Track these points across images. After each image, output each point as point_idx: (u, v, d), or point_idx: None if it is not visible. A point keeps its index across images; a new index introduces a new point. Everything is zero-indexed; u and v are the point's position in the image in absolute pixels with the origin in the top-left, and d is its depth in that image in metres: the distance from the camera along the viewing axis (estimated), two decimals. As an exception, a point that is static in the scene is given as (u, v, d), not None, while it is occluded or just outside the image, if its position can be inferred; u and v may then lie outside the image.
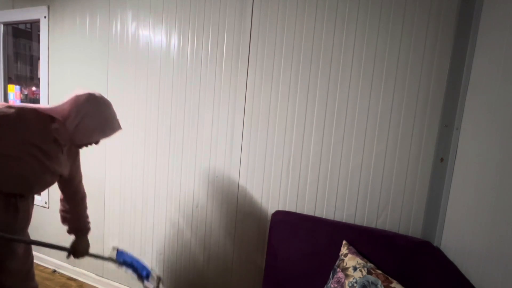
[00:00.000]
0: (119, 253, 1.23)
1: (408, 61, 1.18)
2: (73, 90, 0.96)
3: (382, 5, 1.20)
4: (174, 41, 1.56)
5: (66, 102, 0.92)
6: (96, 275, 1.88)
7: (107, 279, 1.85)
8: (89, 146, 1.00)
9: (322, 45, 1.29)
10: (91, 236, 1.23)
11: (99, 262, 1.86)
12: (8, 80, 2.28)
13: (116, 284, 1.82)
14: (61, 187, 1.14)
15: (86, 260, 1.88)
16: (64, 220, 1.18)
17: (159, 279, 1.23)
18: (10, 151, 0.86)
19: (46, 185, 1.02)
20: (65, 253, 1.16)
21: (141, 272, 1.19)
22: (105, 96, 0.97)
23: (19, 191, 0.95)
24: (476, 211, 0.94)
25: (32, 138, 0.89)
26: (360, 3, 1.22)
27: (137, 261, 1.21)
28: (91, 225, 1.24)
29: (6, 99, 2.27)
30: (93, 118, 0.92)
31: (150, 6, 1.60)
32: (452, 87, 1.13)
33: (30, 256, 1.10)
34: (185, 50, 1.54)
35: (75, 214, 1.18)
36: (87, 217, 1.22)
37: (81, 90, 0.95)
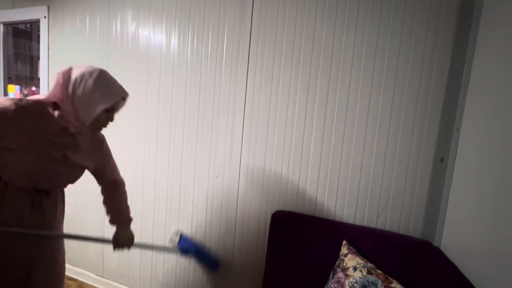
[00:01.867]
0: (183, 239, 1.08)
1: (408, 61, 1.18)
2: None
3: (382, 4, 1.20)
4: (174, 41, 1.56)
5: (54, 84, 0.88)
6: (96, 275, 1.88)
7: (107, 279, 1.85)
8: (106, 126, 0.94)
9: (322, 44, 1.29)
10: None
11: (99, 262, 1.86)
12: (8, 80, 2.28)
13: (116, 284, 1.82)
14: (95, 178, 1.10)
15: (86, 260, 1.89)
16: (107, 211, 1.14)
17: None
18: (17, 146, 0.82)
19: (66, 178, 0.97)
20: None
21: (209, 265, 1.06)
22: None
23: (35, 186, 0.90)
24: (476, 211, 0.94)
25: (38, 131, 0.84)
26: (360, 3, 1.22)
27: (203, 252, 1.07)
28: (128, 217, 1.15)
29: (6, 99, 2.26)
30: (82, 87, 0.85)
31: (150, 6, 1.60)
32: (452, 87, 1.13)
33: (62, 255, 1.07)
34: (185, 50, 1.54)
35: (111, 205, 1.13)
36: (126, 207, 1.15)
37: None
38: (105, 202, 1.13)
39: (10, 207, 0.87)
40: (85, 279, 1.91)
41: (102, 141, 1.07)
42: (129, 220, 1.14)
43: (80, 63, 1.90)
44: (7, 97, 0.84)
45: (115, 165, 1.14)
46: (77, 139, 0.94)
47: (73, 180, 1.00)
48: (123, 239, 1.08)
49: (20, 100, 0.83)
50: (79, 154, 0.95)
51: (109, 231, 1.79)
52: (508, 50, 0.87)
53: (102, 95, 0.88)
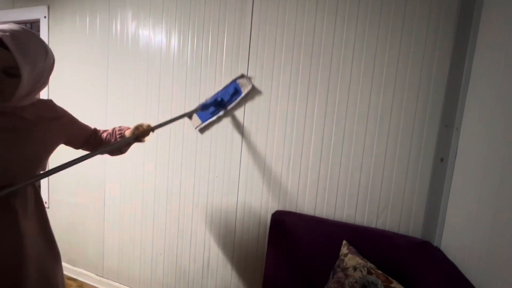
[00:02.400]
0: (200, 114, 1.09)
1: (408, 60, 1.18)
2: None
3: (383, 4, 1.20)
4: (174, 40, 1.56)
5: None
6: (96, 275, 1.88)
7: (107, 279, 1.85)
8: (4, 91, 0.76)
9: (322, 44, 1.29)
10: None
11: (99, 262, 1.86)
12: (8, 80, 2.27)
13: (116, 284, 1.82)
14: (79, 147, 1.05)
15: (86, 260, 1.89)
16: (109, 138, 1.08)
17: (248, 79, 1.08)
18: None
19: (24, 162, 0.84)
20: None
21: (227, 96, 1.06)
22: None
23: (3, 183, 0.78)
24: (476, 211, 0.94)
25: None
26: (361, 2, 1.22)
27: (220, 95, 1.07)
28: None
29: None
30: None
31: (150, 5, 1.59)
32: (452, 87, 1.13)
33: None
34: (185, 49, 1.54)
35: (105, 138, 1.08)
36: (116, 131, 1.10)
37: None
38: (102, 144, 1.09)
39: None
40: (85, 279, 1.91)
41: (54, 108, 0.95)
42: (126, 128, 1.10)
43: (80, 63, 1.91)
44: None
45: (83, 123, 1.07)
46: (21, 115, 0.81)
47: (35, 161, 0.87)
48: (141, 128, 1.05)
49: None
50: (33, 129, 0.84)
51: (109, 231, 1.80)
52: (508, 49, 0.87)
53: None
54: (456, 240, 1.05)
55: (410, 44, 1.17)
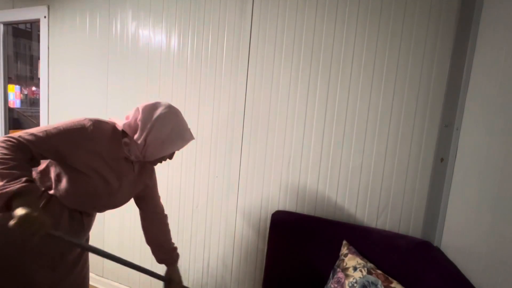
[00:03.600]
0: None
1: (408, 61, 1.18)
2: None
3: (383, 5, 1.20)
4: (174, 40, 1.56)
5: (132, 115, 0.87)
6: (96, 275, 1.88)
7: (107, 279, 1.85)
8: (163, 161, 0.94)
9: (322, 45, 1.29)
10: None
11: (98, 261, 1.85)
12: (8, 80, 2.28)
13: (116, 284, 1.82)
14: (138, 205, 1.09)
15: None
16: (151, 241, 1.11)
17: None
18: (82, 167, 0.81)
19: (114, 205, 0.96)
20: None
21: None
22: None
23: (83, 209, 0.90)
24: (477, 211, 0.94)
25: (104, 154, 0.84)
26: (360, 3, 1.22)
27: None
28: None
29: (6, 99, 2.27)
30: (160, 129, 0.85)
31: (150, 6, 1.60)
32: (452, 87, 1.13)
33: (87, 263, 1.12)
34: (185, 49, 1.54)
35: (159, 236, 1.09)
36: (170, 240, 1.11)
37: (146, 102, 0.89)
38: (147, 231, 1.11)
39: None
40: (85, 279, 1.90)
41: (153, 168, 1.06)
42: (175, 258, 1.10)
43: (80, 63, 1.91)
44: (85, 117, 0.84)
45: (159, 196, 1.13)
46: (134, 166, 0.94)
47: (117, 206, 0.98)
48: (178, 280, 1.05)
49: (98, 122, 0.85)
50: (133, 181, 0.96)
51: (109, 231, 1.80)
52: (508, 50, 0.87)
53: (178, 140, 0.89)
54: (456, 240, 1.05)
55: (410, 44, 1.17)
